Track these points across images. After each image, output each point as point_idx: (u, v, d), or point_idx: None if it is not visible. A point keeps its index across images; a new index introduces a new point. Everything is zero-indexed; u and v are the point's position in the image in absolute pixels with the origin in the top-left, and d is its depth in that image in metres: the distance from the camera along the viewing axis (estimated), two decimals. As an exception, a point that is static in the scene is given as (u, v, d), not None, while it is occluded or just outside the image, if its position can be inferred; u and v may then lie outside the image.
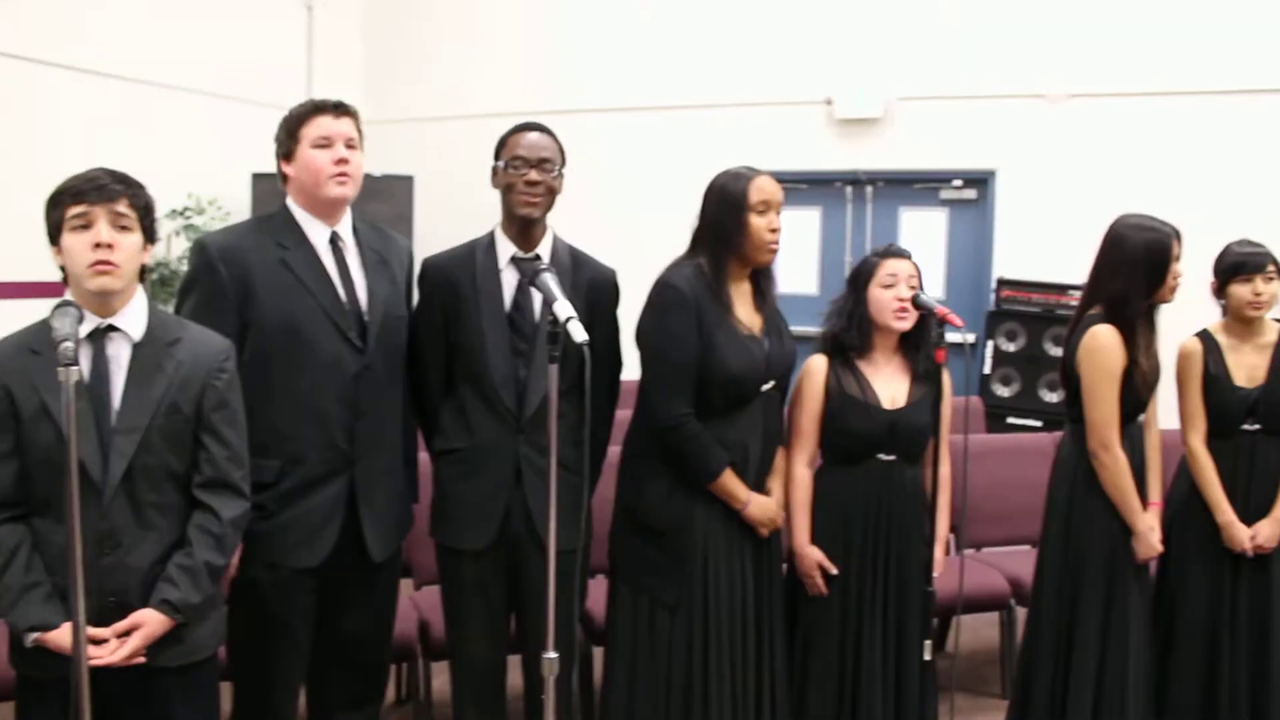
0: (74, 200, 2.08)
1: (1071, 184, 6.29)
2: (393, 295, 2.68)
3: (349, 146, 2.57)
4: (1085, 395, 3.02)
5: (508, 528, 2.71)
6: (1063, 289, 5.91)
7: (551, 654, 2.26)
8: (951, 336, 2.86)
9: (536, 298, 2.69)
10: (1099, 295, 3.07)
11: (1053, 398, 5.97)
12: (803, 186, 6.96)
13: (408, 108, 7.72)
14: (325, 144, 2.54)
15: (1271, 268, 3.22)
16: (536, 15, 7.57)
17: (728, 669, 2.76)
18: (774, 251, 2.78)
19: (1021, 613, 3.86)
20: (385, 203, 6.96)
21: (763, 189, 2.75)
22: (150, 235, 2.19)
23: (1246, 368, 3.26)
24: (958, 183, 6.76)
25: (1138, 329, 3.01)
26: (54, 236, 2.13)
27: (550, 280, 2.30)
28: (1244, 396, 3.24)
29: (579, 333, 2.16)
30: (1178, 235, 3.03)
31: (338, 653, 2.70)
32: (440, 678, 3.37)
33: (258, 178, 6.76)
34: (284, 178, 2.62)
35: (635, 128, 7.14)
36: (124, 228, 2.11)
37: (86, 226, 2.08)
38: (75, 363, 1.84)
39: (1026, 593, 3.65)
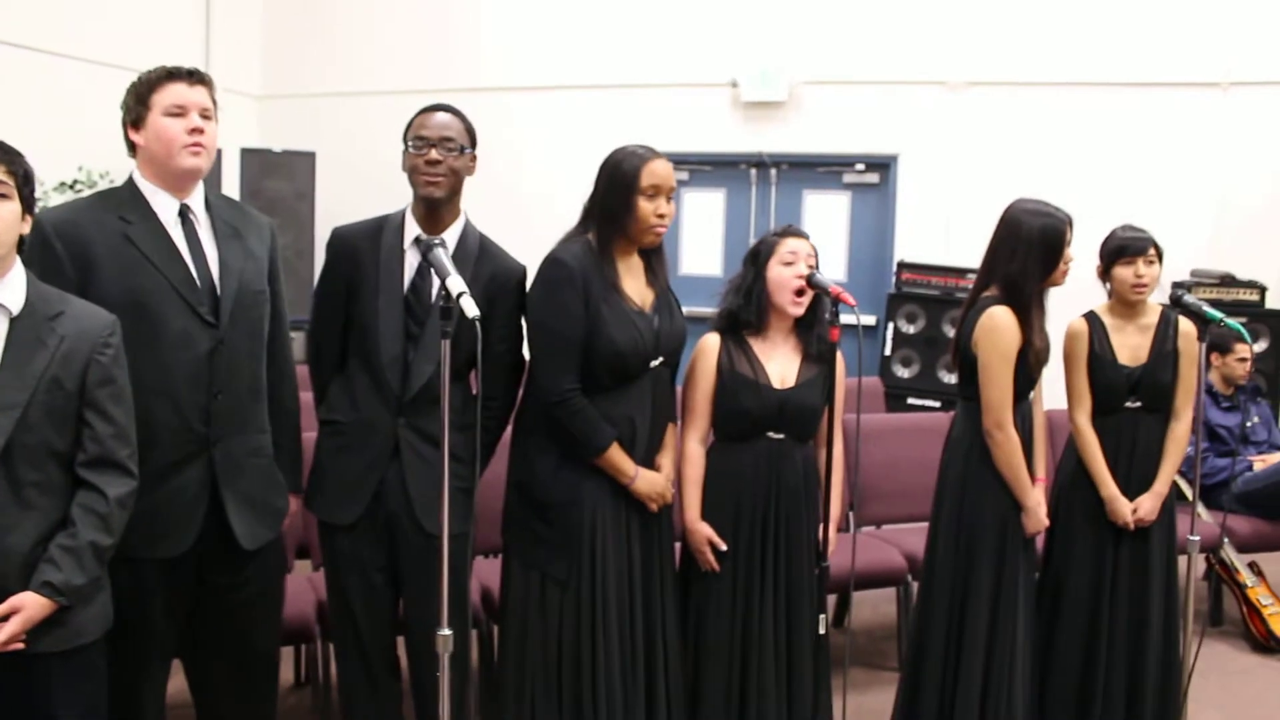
0: None
1: (971, 170, 6.44)
2: (249, 268, 2.57)
3: (204, 116, 2.46)
4: (981, 375, 3.08)
5: (382, 505, 2.69)
6: (962, 272, 6.04)
7: (446, 630, 2.24)
8: (845, 317, 2.89)
9: (436, 281, 2.67)
10: (994, 277, 3.13)
11: (951, 379, 6.06)
12: (707, 168, 7.02)
13: (309, 83, 7.57)
14: (179, 112, 2.43)
15: (1152, 251, 3.33)
16: (443, -9, 7.48)
17: (616, 644, 2.78)
18: (658, 235, 2.80)
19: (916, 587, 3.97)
20: (286, 179, 6.83)
21: (655, 172, 2.75)
22: (29, 205, 2.11)
23: (1130, 348, 3.37)
24: (860, 167, 6.87)
25: (1032, 311, 3.09)
26: None
27: (443, 256, 2.29)
28: (1127, 375, 3.35)
29: (470, 308, 2.14)
30: (1070, 221, 3.12)
31: (217, 646, 2.62)
32: (339, 659, 3.35)
33: (148, 153, 6.56)
34: (131, 147, 2.50)
35: (540, 107, 7.09)
36: (1, 196, 2.03)
37: None
38: None
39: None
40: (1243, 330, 3.45)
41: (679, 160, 6.99)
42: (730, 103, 6.90)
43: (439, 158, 2.67)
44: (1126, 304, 3.37)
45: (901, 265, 6.33)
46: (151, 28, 6.88)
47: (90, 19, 6.42)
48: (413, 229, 2.74)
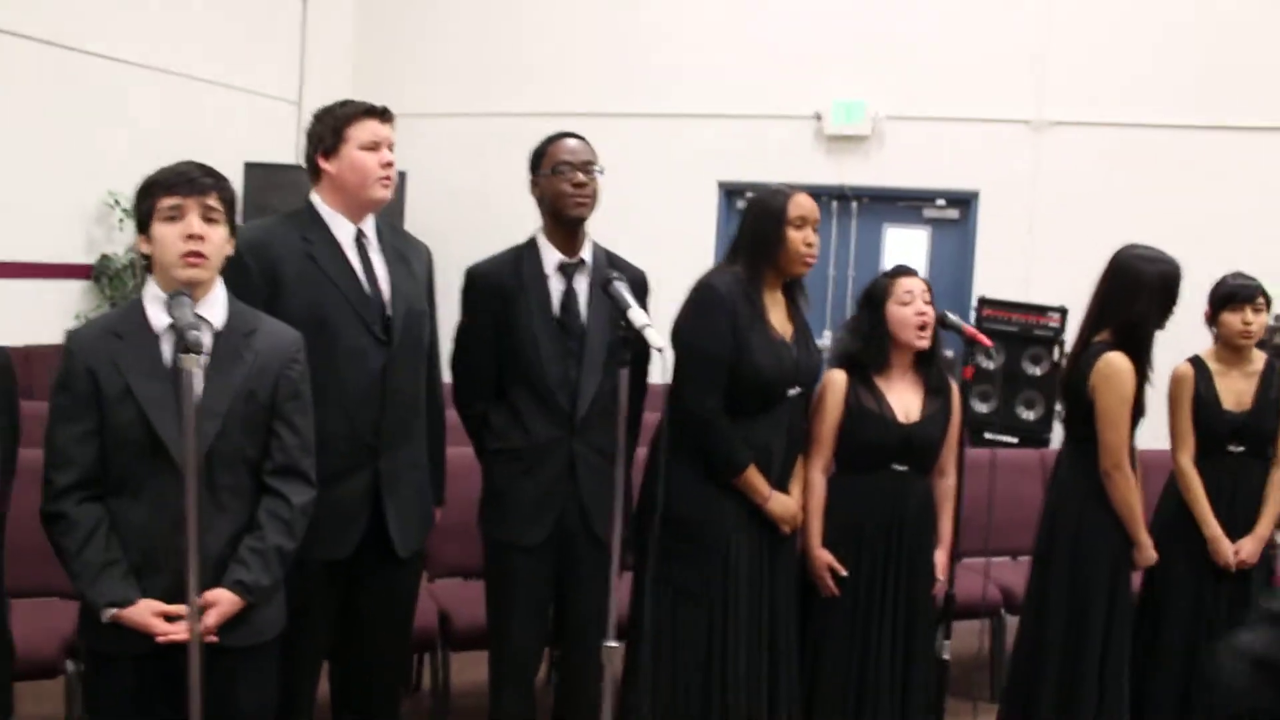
0: (166, 192, 2.14)
1: (1052, 209, 6.51)
2: (414, 290, 2.72)
3: (390, 150, 2.65)
4: (1100, 419, 3.15)
5: (562, 523, 2.81)
6: (1042, 310, 6.11)
7: (613, 643, 2.36)
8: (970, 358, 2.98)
9: (582, 300, 2.84)
10: (1108, 322, 3.21)
11: (1029, 415, 6.17)
12: (789, 199, 7.12)
13: (399, 102, 7.67)
14: (373, 147, 2.60)
15: (1261, 299, 3.40)
16: (531, 15, 7.64)
17: (744, 657, 2.88)
18: (809, 264, 2.93)
19: (1009, 620, 4.04)
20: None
21: (800, 205, 2.90)
22: (234, 228, 2.25)
23: (1234, 393, 3.44)
24: (941, 202, 6.96)
25: (1147, 354, 3.17)
26: (143, 225, 2.19)
27: (622, 289, 2.42)
28: (1231, 420, 3.42)
29: (656, 339, 2.27)
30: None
31: (359, 647, 2.74)
32: (459, 669, 3.49)
33: (250, 167, 6.76)
34: (316, 172, 2.65)
35: (627, 134, 7.19)
36: (212, 220, 2.18)
37: (178, 218, 2.14)
38: (203, 350, 1.90)
39: (1015, 601, 3.84)
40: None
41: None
42: (814, 135, 7.02)
43: (585, 180, 2.81)
44: (1233, 349, 3.44)
45: (982, 301, 6.39)
46: (249, 48, 7.14)
47: (190, 36, 6.65)
48: (552, 254, 2.87)
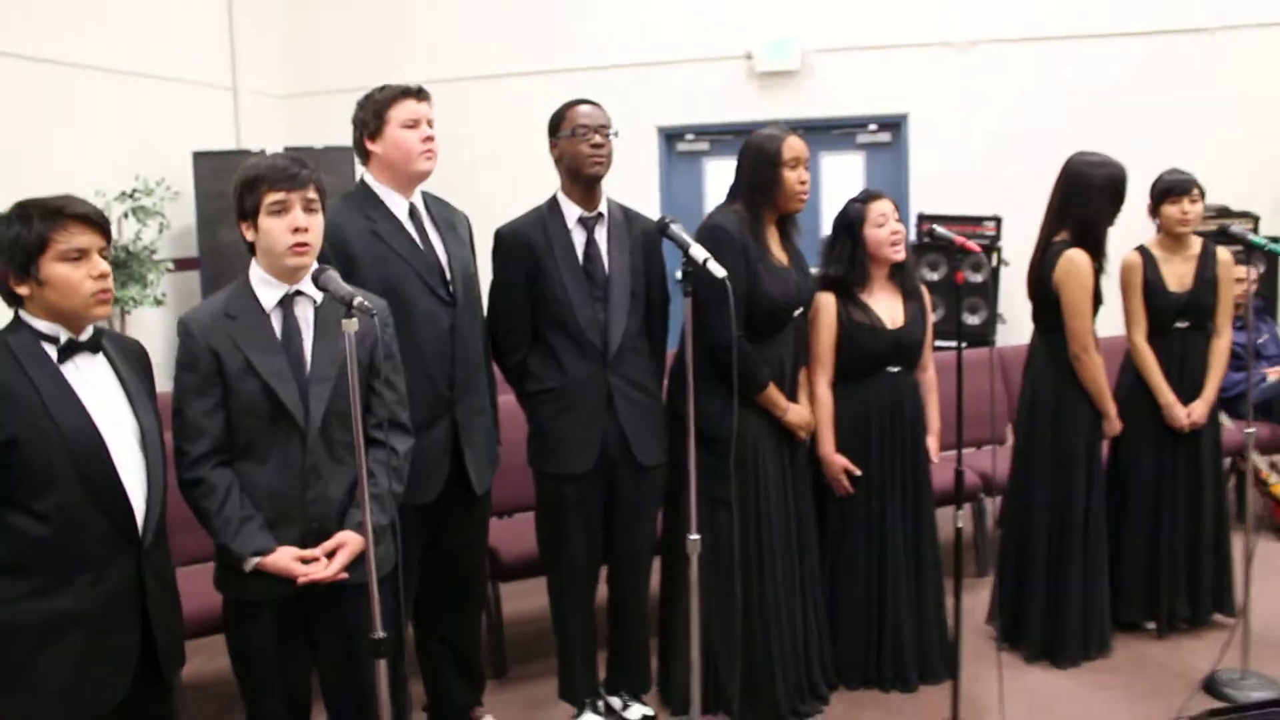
0: (271, 187, 2.37)
1: (978, 124, 6.90)
2: (464, 255, 3.02)
3: (430, 125, 2.90)
4: (1066, 310, 3.54)
5: (605, 452, 3.12)
6: (978, 220, 6.52)
7: (695, 535, 2.69)
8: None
9: (603, 248, 3.13)
10: (1065, 223, 3.58)
11: (974, 320, 6.60)
12: (728, 137, 7.42)
13: (328, 80, 7.84)
14: (413, 124, 2.86)
15: (1196, 191, 3.80)
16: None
17: (778, 551, 3.25)
18: (803, 201, 3.24)
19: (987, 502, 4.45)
20: (329, 173, 7.06)
21: (793, 147, 3.21)
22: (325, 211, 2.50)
23: (1177, 276, 3.85)
24: (873, 127, 7.32)
25: (1102, 248, 3.56)
26: (248, 215, 2.41)
27: (680, 230, 2.71)
28: (1176, 300, 3.84)
29: (718, 270, 2.57)
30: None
31: (444, 573, 3.07)
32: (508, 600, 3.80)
33: (199, 156, 6.86)
34: (365, 155, 2.93)
35: (568, 89, 7.32)
36: (312, 210, 2.42)
37: (284, 211, 2.38)
38: (373, 313, 2.18)
39: (992, 485, 4.26)
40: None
41: (700, 131, 7.43)
42: (746, 74, 7.31)
43: (602, 141, 3.09)
44: (1174, 237, 3.85)
45: (922, 217, 6.78)
46: (180, 39, 7.16)
47: (122, 36, 6.65)
48: (572, 209, 3.15)
